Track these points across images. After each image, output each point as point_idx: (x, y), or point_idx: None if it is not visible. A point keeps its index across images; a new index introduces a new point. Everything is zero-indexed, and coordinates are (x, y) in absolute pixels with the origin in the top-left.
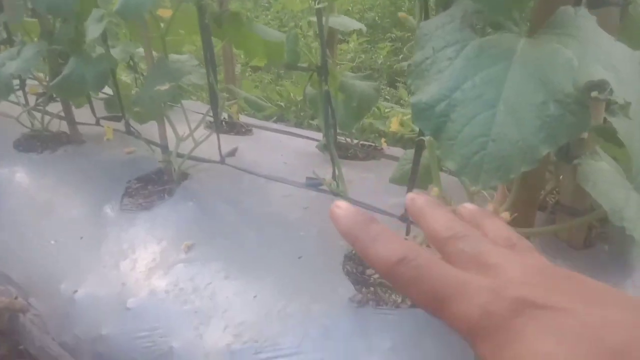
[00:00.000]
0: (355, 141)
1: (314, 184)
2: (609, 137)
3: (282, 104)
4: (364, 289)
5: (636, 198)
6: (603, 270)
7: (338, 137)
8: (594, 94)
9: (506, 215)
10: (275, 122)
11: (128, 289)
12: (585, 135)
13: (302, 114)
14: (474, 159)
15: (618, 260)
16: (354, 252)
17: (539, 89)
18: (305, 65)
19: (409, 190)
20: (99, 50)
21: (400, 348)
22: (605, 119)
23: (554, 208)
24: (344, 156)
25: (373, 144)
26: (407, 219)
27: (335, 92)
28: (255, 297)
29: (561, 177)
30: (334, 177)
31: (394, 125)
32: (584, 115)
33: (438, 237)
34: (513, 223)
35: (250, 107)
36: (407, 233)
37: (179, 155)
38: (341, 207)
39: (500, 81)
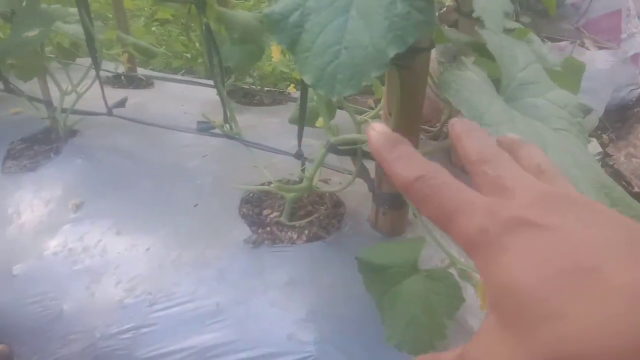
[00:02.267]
0: (259, 87)
1: (205, 127)
2: (483, 52)
3: (188, 55)
4: (260, 230)
5: (501, 104)
6: None
7: (242, 84)
8: (475, 14)
9: None
10: (183, 74)
11: (13, 256)
12: (472, 59)
13: None
14: (328, 69)
15: None
16: (251, 194)
17: None
18: None
19: (300, 127)
20: None
21: (296, 282)
22: None
23: (446, 135)
24: (250, 102)
25: (280, 90)
26: (301, 155)
27: (218, 28)
28: (148, 249)
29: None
30: (225, 119)
31: (274, 54)
32: (429, 11)
33: (469, 159)
34: None
35: (140, 54)
36: (302, 170)
37: (64, 111)
38: (375, 128)
39: None
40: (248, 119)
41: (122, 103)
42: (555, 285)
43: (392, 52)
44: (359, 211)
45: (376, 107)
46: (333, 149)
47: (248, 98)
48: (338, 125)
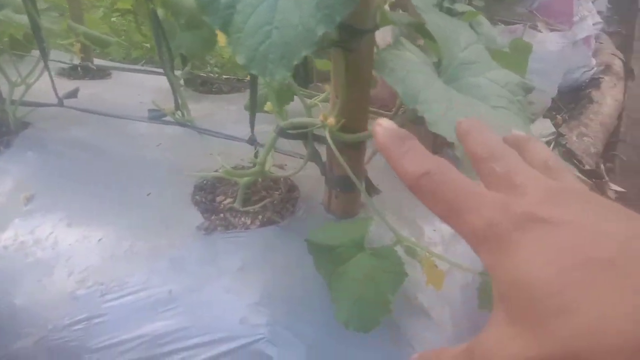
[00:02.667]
0: (217, 75)
1: (156, 115)
2: (424, 33)
3: (148, 45)
4: (213, 217)
5: (439, 84)
6: None
7: (200, 72)
8: None
9: (332, 121)
10: (143, 64)
11: None
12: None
13: None
14: (260, 49)
15: (463, 163)
16: (204, 181)
17: None
18: None
19: (251, 113)
20: None
21: (250, 267)
22: None
23: (400, 118)
24: (208, 91)
25: (239, 78)
26: (254, 141)
27: (167, 14)
28: (100, 240)
29: None
30: (177, 106)
31: (221, 40)
32: None
33: (476, 157)
34: (342, 129)
35: (93, 44)
36: (255, 156)
37: (14, 103)
38: (382, 124)
39: None
40: (205, 107)
41: (73, 94)
42: (568, 280)
43: (320, 31)
44: (313, 195)
45: None
46: (284, 133)
47: (206, 86)
48: (287, 110)
